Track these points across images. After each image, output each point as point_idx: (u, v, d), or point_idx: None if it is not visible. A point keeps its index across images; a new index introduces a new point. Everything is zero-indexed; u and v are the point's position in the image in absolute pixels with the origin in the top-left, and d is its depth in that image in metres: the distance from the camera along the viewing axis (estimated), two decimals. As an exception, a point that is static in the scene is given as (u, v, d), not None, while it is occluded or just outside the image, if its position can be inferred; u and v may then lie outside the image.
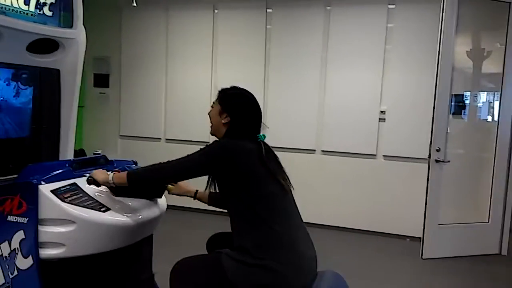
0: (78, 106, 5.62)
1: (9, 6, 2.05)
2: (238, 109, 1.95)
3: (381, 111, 4.45)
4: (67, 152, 2.67)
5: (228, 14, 4.98)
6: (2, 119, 2.35)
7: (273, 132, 4.82)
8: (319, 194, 4.62)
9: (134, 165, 2.40)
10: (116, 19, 5.33)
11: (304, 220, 1.97)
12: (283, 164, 2.00)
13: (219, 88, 2.05)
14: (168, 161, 1.86)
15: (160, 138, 5.29)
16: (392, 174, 4.45)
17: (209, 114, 2.02)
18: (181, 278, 1.85)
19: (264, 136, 1.98)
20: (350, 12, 4.54)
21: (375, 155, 4.51)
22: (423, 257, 3.87)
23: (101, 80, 5.49)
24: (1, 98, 2.35)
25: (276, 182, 1.87)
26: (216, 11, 4.99)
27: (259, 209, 1.79)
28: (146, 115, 5.33)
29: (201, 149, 1.85)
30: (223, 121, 1.94)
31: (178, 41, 5.14)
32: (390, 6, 4.41)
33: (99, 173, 1.95)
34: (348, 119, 4.54)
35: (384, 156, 4.49)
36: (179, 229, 4.31)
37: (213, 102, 2.02)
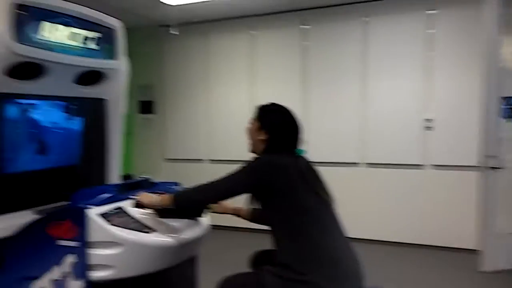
0: (126, 133, 5.89)
1: (56, 42, 2.19)
2: (275, 126, 1.96)
3: (427, 119, 4.31)
4: (114, 177, 2.78)
5: (264, 34, 5.06)
6: (55, 149, 2.49)
7: (315, 147, 4.82)
8: (365, 208, 4.51)
9: (176, 186, 2.46)
10: (158, 47, 5.56)
11: (350, 235, 1.92)
12: (326, 179, 1.97)
13: (258, 105, 2.08)
14: (210, 182, 1.87)
15: (203, 159, 5.40)
16: (442, 184, 4.27)
17: (247, 131, 2.05)
18: (225, 296, 1.86)
19: (303, 151, 1.98)
20: (388, 21, 4.49)
21: (423, 165, 4.35)
22: (480, 269, 3.64)
23: (146, 107, 5.71)
24: (54, 129, 2.49)
25: (316, 195, 1.85)
26: (253, 32, 5.09)
27: (299, 223, 1.77)
28: (189, 138, 5.47)
29: (241, 167, 1.86)
30: (261, 138, 1.96)
31: (218, 64, 5.28)
32: (429, 12, 4.31)
33: (145, 197, 2.01)
34: (393, 130, 4.44)
35: (432, 165, 4.32)
36: (223, 248, 4.32)
37: (251, 119, 2.05)
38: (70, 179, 2.60)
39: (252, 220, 2.25)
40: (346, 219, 1.96)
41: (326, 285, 1.69)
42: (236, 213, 2.29)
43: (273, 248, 1.89)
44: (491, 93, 3.60)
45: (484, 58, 3.61)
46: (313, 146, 4.65)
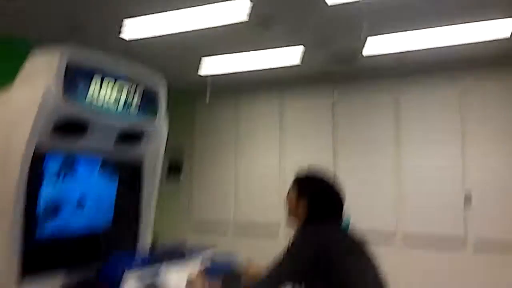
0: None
1: (101, 103, 2.16)
2: (315, 195, 1.81)
3: (466, 191, 4.11)
4: (145, 241, 2.64)
5: (295, 104, 5.10)
6: (89, 208, 2.37)
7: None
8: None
9: (210, 251, 2.30)
10: (191, 112, 5.64)
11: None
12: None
13: (296, 172, 1.95)
14: (260, 281, 1.68)
15: (230, 222, 5.24)
16: (485, 263, 3.95)
17: (286, 199, 1.90)
18: None
19: (349, 219, 1.81)
20: (421, 95, 4.46)
21: (464, 239, 4.08)
22: None
23: (175, 169, 5.67)
24: (91, 189, 2.39)
25: (368, 277, 1.66)
26: (284, 101, 5.13)
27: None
28: (217, 201, 5.37)
29: (288, 251, 1.66)
30: (300, 208, 1.80)
31: (247, 130, 5.32)
32: (463, 83, 4.27)
33: (195, 280, 1.85)
34: (429, 201, 4.24)
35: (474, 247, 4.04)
36: None
37: (290, 187, 1.90)
38: (102, 240, 2.47)
39: None
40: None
41: None
42: None
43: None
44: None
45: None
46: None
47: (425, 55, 3.99)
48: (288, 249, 1.66)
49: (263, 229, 4.92)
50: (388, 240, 4.34)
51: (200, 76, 4.62)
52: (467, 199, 4.10)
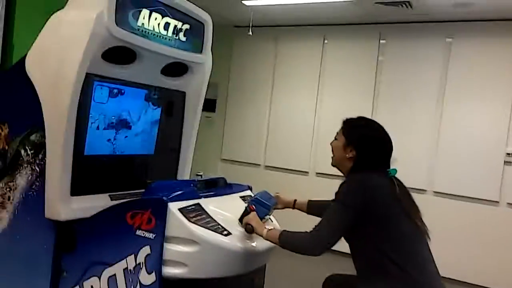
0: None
1: (151, 30, 2.17)
2: (364, 143, 1.81)
3: (508, 153, 3.99)
4: (184, 173, 2.74)
5: (338, 44, 4.92)
6: (133, 136, 2.47)
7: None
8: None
9: (249, 191, 2.37)
10: (227, 47, 5.54)
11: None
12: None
13: (344, 118, 1.93)
14: (315, 230, 1.71)
15: (259, 165, 5.31)
16: None
17: (331, 145, 1.91)
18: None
19: (395, 171, 1.82)
20: (473, 44, 4.22)
21: (498, 202, 4.03)
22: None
23: (208, 105, 5.70)
24: (135, 117, 2.47)
25: (411, 222, 1.70)
26: (326, 41, 4.97)
27: (392, 253, 1.61)
28: (248, 141, 5.40)
29: (339, 200, 1.69)
30: (348, 155, 1.80)
31: (285, 70, 5.19)
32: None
33: (257, 225, 1.85)
34: (467, 160, 4.15)
35: (508, 203, 3.99)
36: (295, 263, 4.12)
37: (337, 133, 1.90)
38: (144, 168, 2.59)
39: (309, 212, 2.11)
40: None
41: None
42: (293, 205, 2.15)
43: (349, 273, 1.75)
44: None
45: None
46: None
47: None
48: (337, 198, 1.70)
49: (294, 177, 4.93)
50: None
51: (243, 4, 4.44)
52: (507, 163, 3.99)
